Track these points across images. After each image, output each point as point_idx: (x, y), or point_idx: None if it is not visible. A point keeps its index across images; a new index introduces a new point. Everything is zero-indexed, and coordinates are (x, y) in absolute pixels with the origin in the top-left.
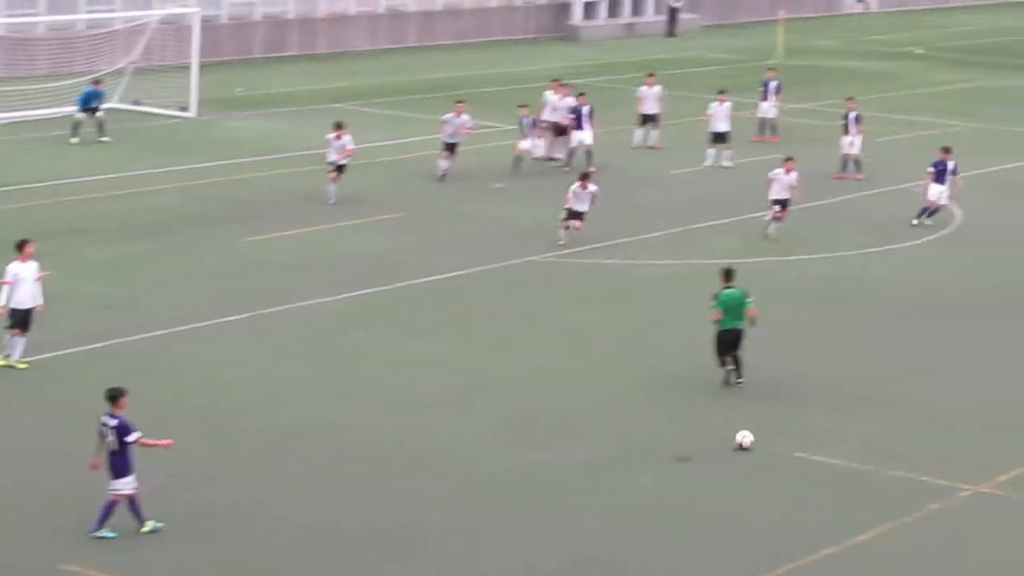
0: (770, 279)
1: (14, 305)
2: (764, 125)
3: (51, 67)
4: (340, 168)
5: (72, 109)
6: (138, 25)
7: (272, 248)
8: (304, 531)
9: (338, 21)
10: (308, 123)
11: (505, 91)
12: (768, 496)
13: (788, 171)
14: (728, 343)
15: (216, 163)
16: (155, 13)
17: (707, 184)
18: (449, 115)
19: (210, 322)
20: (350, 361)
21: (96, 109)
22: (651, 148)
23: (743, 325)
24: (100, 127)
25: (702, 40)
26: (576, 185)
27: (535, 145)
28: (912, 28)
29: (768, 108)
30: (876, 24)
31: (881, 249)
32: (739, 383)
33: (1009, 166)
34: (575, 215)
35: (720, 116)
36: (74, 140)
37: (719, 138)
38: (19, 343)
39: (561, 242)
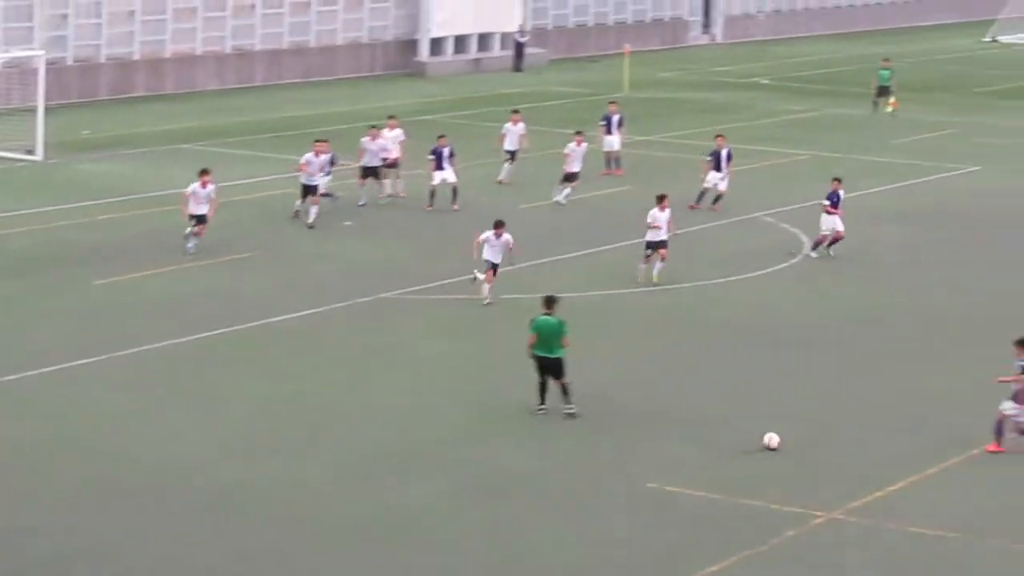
0: (620, 310)
1: None
2: (609, 159)
3: None
4: (202, 219)
5: None
6: None
7: (123, 290)
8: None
9: (185, 61)
10: (157, 164)
11: (353, 128)
12: (621, 527)
13: (663, 208)
14: (544, 369)
15: (65, 206)
16: None
17: (556, 219)
18: (308, 155)
19: (62, 366)
20: (203, 402)
21: None
22: (500, 183)
23: (561, 354)
24: None
25: (549, 74)
26: (489, 233)
27: (321, 182)
28: (757, 59)
29: (612, 141)
30: (722, 56)
31: (731, 279)
32: (569, 411)
33: (853, 194)
34: (491, 267)
35: (576, 156)
36: None
37: (571, 177)
38: None
39: (487, 301)
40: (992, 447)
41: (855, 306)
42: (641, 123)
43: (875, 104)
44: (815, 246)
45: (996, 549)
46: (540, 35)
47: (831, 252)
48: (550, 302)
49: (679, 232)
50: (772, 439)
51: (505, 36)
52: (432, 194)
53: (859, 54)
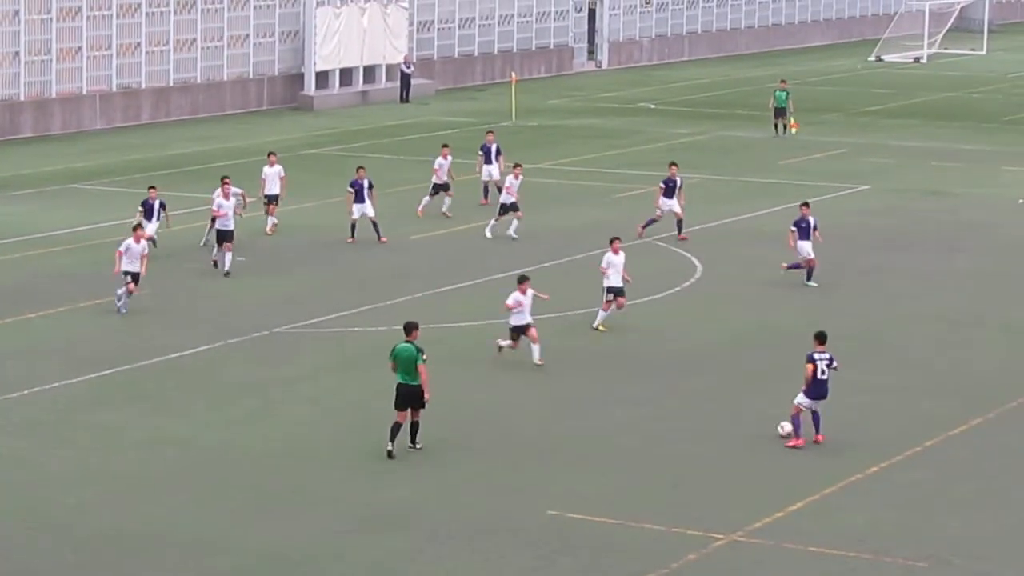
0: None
1: None
2: (488, 188)
3: None
4: (136, 276)
5: None
6: None
7: (14, 332)
8: None
9: (71, 101)
10: (46, 205)
11: (244, 163)
12: (522, 556)
13: (616, 251)
14: (405, 398)
15: None
16: None
17: (446, 249)
18: (219, 200)
19: None
20: (97, 443)
21: None
22: (446, 216)
23: (419, 382)
24: None
25: (437, 104)
26: (516, 293)
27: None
28: (643, 84)
29: (491, 171)
30: (607, 81)
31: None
32: (412, 447)
33: (744, 216)
34: (519, 330)
35: (512, 190)
36: None
37: (509, 208)
38: None
39: (539, 361)
40: (793, 443)
41: (743, 328)
42: (530, 151)
43: (775, 127)
44: (791, 267)
45: (895, 567)
46: (426, 66)
47: (810, 282)
48: (409, 329)
49: (630, 279)
50: (785, 427)
51: (391, 68)
52: (353, 227)
53: (744, 76)
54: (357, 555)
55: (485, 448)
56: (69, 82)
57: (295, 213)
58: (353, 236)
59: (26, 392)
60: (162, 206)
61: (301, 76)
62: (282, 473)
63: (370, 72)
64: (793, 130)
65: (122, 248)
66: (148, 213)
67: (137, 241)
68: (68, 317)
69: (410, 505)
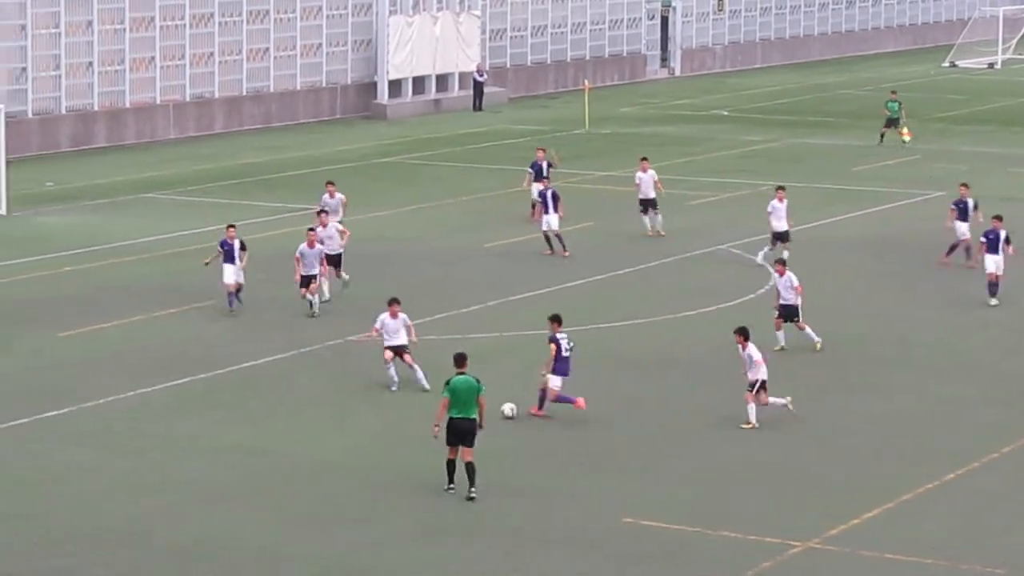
0: (585, 348)
1: None
2: (535, 205)
3: None
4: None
5: None
6: None
7: (89, 342)
8: None
9: (144, 111)
10: (119, 215)
11: (314, 173)
12: (598, 563)
13: (782, 274)
14: (460, 434)
15: (28, 259)
16: None
17: (520, 258)
18: (301, 246)
19: (27, 419)
20: (169, 452)
21: None
22: (660, 235)
23: (475, 415)
24: None
25: (510, 113)
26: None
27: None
28: (716, 91)
29: (540, 187)
30: (680, 89)
31: (695, 312)
32: (471, 496)
33: (818, 223)
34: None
35: (778, 214)
36: None
37: (781, 237)
38: None
39: None
40: (535, 410)
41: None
42: (602, 159)
43: (882, 136)
44: (991, 291)
45: (972, 574)
46: (498, 74)
47: (992, 301)
48: (461, 360)
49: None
50: (509, 408)
51: (463, 76)
52: (548, 240)
53: (816, 83)
54: (427, 564)
55: (557, 454)
56: (142, 92)
57: (367, 222)
58: (551, 248)
59: (100, 401)
60: (242, 247)
61: (374, 85)
62: (353, 482)
63: (443, 80)
64: (906, 138)
65: (377, 326)
66: (228, 256)
67: (393, 316)
68: (141, 326)
69: (481, 513)
